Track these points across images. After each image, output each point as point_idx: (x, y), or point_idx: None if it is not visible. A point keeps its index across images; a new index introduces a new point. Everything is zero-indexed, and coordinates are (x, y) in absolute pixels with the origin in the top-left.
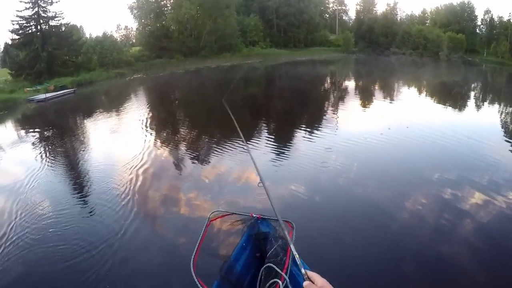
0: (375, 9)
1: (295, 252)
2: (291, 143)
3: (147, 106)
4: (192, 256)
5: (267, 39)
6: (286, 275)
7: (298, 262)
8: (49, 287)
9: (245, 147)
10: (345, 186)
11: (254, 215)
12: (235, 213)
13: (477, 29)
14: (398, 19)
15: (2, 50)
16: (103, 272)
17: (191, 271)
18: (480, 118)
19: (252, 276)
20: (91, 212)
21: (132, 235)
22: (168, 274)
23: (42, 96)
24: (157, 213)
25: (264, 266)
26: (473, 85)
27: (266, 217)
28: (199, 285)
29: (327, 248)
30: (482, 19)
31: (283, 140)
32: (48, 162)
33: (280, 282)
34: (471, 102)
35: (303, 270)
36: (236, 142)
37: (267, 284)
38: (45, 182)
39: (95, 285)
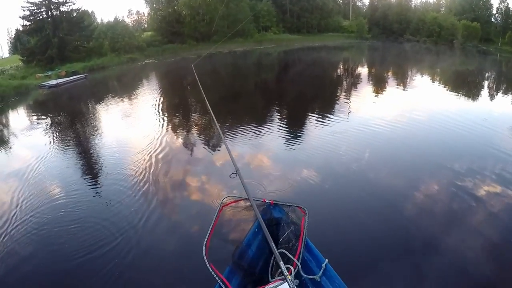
0: None
1: (307, 238)
2: (303, 128)
3: (159, 91)
4: (204, 242)
5: (280, 25)
6: (298, 261)
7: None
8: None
9: (220, 135)
10: (359, 171)
11: (267, 201)
12: (247, 198)
13: (492, 18)
14: (413, 6)
15: (13, 36)
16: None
17: (203, 257)
18: (496, 107)
19: (264, 262)
20: (106, 199)
21: (149, 221)
22: (181, 258)
23: (53, 82)
24: (172, 198)
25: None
26: (487, 74)
27: (279, 202)
28: (211, 270)
29: (338, 233)
30: (497, 8)
31: (295, 124)
32: (60, 147)
33: (292, 268)
34: (485, 91)
35: None
36: (247, 128)
37: (279, 270)
38: (56, 167)
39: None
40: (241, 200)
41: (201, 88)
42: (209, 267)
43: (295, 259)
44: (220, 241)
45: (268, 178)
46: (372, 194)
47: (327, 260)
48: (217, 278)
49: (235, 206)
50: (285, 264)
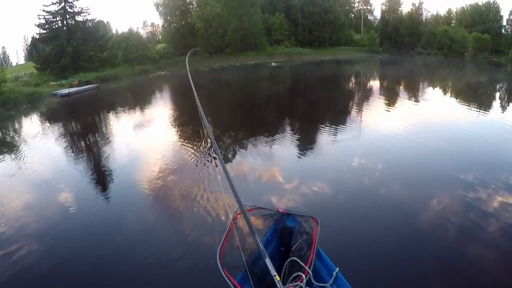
0: (400, 9)
1: (319, 247)
2: (316, 141)
3: (170, 103)
4: (218, 248)
5: (292, 38)
6: (309, 269)
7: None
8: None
9: (213, 151)
10: (370, 184)
11: (281, 210)
12: (262, 208)
13: (503, 30)
14: (424, 19)
15: (29, 43)
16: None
17: (217, 262)
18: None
19: (276, 269)
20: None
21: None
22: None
23: (65, 90)
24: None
25: (288, 260)
26: (498, 86)
27: (292, 212)
28: (224, 275)
29: (350, 244)
30: (507, 20)
31: (307, 137)
32: (71, 155)
33: (303, 276)
34: (497, 102)
35: None
36: (260, 140)
37: (291, 277)
38: (68, 175)
39: None
40: (255, 208)
41: (195, 93)
42: (223, 272)
43: (306, 267)
44: (234, 248)
45: (280, 190)
46: (384, 207)
47: (338, 268)
48: (230, 283)
49: (249, 214)
50: (296, 271)
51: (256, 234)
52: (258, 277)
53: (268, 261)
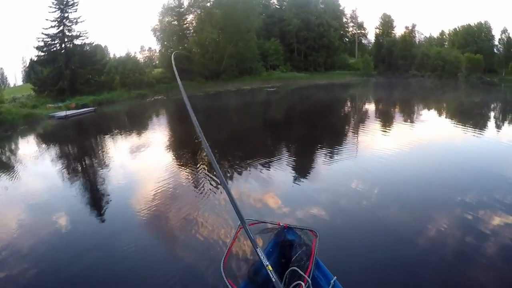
0: (394, 32)
1: (317, 258)
2: (311, 164)
3: (167, 127)
4: (222, 258)
5: (287, 63)
6: (309, 277)
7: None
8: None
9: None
10: (368, 207)
11: (281, 224)
12: (263, 222)
13: (495, 49)
14: (417, 42)
15: (27, 65)
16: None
17: (221, 272)
18: (504, 137)
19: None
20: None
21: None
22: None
23: (63, 113)
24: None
25: (289, 270)
26: (492, 105)
27: (293, 226)
28: (228, 284)
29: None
30: (499, 39)
31: (303, 162)
32: (66, 177)
33: (303, 284)
34: (492, 122)
35: None
36: (256, 164)
37: (291, 286)
38: (61, 197)
39: None
40: (257, 223)
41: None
42: (226, 281)
43: (306, 276)
44: (237, 259)
45: (277, 214)
46: (381, 230)
47: (335, 277)
48: None
49: (252, 229)
50: (296, 280)
51: (258, 247)
52: (260, 286)
53: (269, 270)
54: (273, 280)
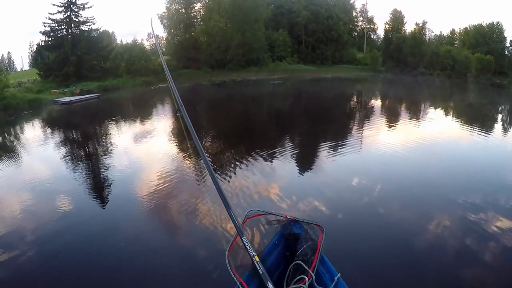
0: (404, 28)
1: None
2: (315, 159)
3: (170, 115)
4: (227, 249)
5: (295, 55)
6: (313, 272)
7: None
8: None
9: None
10: (370, 203)
11: (288, 217)
12: (270, 213)
13: (506, 51)
14: (427, 39)
15: (34, 50)
16: None
17: (226, 262)
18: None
19: (281, 272)
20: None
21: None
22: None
23: (66, 99)
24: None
25: (293, 263)
26: (500, 108)
27: (299, 219)
28: (232, 274)
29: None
30: (511, 41)
31: (307, 155)
32: (69, 163)
33: (306, 278)
34: (498, 125)
35: None
36: (259, 155)
37: (294, 280)
38: (64, 183)
39: None
40: (264, 214)
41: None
42: (230, 271)
43: (310, 270)
44: (241, 250)
45: (279, 208)
46: (384, 227)
47: (339, 274)
48: (236, 281)
49: (258, 219)
50: (300, 274)
51: (244, 236)
52: (264, 276)
53: (255, 261)
54: (260, 272)
